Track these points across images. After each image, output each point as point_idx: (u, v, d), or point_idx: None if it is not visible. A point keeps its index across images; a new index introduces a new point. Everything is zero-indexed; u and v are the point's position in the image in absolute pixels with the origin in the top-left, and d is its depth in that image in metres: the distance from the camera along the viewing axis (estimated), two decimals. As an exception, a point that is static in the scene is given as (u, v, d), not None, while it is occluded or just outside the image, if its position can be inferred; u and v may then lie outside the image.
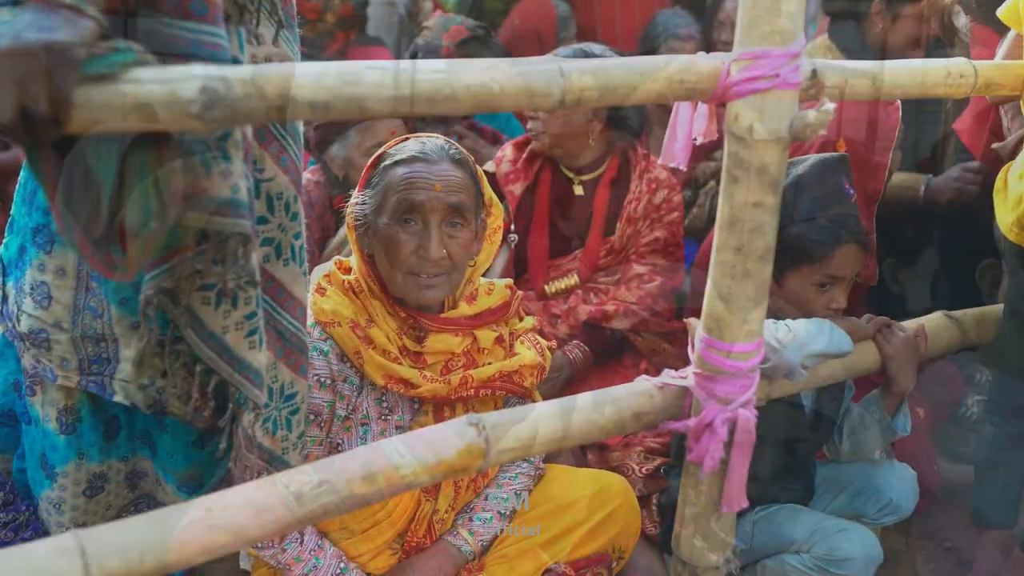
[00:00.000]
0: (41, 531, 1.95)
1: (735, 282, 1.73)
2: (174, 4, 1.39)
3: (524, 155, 3.22)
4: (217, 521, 1.44)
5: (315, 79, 1.30)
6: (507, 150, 3.28)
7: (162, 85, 1.19)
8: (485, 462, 1.68)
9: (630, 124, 3.19)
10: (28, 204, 1.79)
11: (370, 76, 1.34)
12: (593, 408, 1.79)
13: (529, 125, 3.18)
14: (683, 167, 1.81)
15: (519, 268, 3.23)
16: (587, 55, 3.00)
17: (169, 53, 1.39)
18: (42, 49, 1.13)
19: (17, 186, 1.95)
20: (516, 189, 3.16)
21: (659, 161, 1.84)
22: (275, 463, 1.90)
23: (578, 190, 3.22)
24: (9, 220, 1.95)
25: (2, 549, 1.33)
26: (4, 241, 1.96)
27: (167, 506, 1.46)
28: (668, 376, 1.87)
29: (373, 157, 2.17)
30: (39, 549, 1.32)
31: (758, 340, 1.78)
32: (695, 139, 1.81)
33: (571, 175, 3.22)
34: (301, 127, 1.89)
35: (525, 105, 1.52)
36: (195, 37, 1.42)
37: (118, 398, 1.80)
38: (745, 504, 1.84)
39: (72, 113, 1.16)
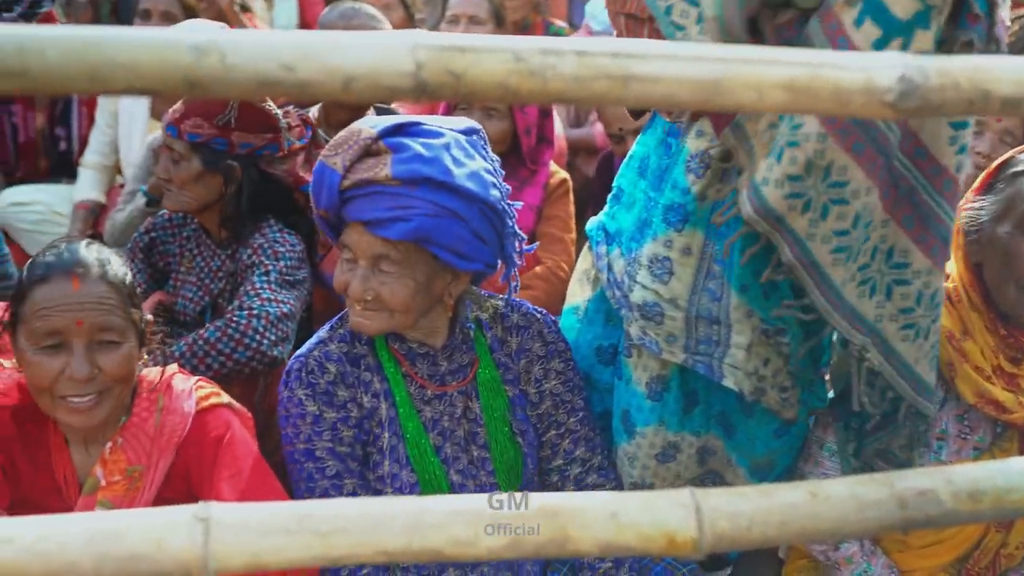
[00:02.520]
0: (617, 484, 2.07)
1: None
2: None
3: None
4: (820, 508, 1.42)
5: (1014, 73, 1.23)
6: None
7: (861, 72, 1.19)
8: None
9: None
10: (657, 181, 1.90)
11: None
12: None
13: None
14: None
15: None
16: None
17: None
18: None
19: (626, 159, 2.07)
20: None
21: None
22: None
23: None
24: (614, 191, 2.08)
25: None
26: (607, 211, 2.10)
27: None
28: None
29: (997, 162, 2.03)
30: (658, 498, 1.41)
31: None
32: None
33: None
34: None
35: None
36: None
37: (727, 382, 1.86)
38: None
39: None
